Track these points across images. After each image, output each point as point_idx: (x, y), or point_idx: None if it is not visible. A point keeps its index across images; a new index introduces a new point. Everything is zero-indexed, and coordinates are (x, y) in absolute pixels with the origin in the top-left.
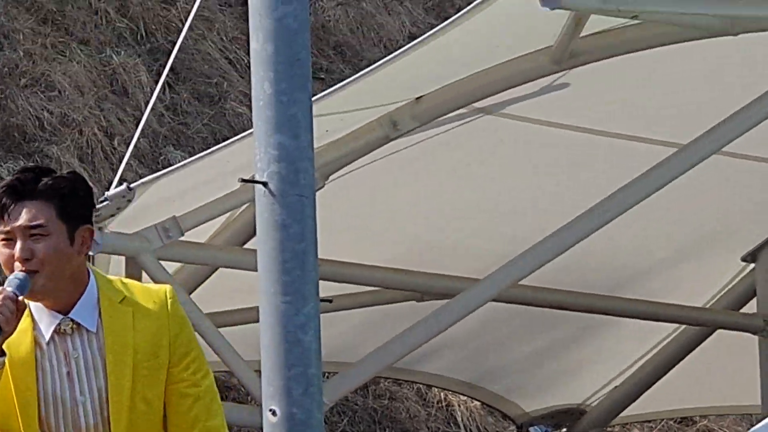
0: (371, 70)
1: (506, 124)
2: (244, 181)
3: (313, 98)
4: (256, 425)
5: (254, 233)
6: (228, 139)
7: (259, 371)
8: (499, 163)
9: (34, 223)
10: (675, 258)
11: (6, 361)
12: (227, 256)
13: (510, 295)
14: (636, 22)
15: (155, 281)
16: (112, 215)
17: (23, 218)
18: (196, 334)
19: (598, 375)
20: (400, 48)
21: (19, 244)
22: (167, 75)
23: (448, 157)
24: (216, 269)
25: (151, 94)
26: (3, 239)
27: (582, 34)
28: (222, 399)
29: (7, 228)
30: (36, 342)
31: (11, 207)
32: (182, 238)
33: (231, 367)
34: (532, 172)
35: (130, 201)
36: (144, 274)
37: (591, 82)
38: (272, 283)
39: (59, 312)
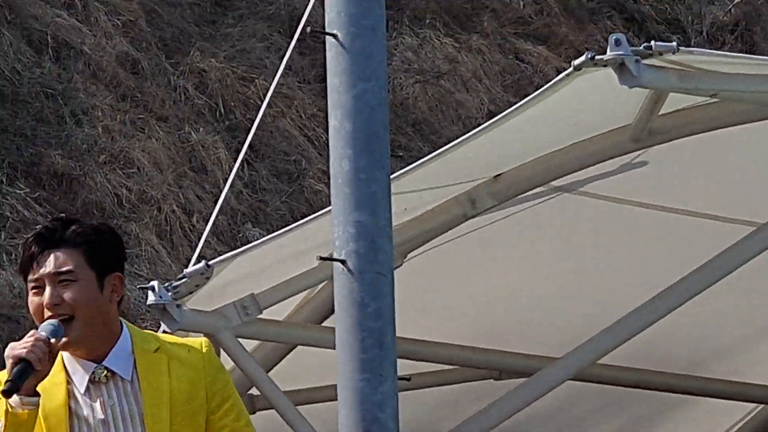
0: (450, 147)
1: (584, 202)
2: (322, 259)
3: (392, 176)
4: None
5: (332, 311)
6: (306, 216)
7: None
8: (577, 241)
9: (63, 269)
10: (757, 335)
11: (40, 406)
12: (305, 334)
13: (588, 373)
14: (715, 100)
15: (233, 359)
16: (191, 292)
17: (51, 265)
18: (276, 413)
19: None
20: (478, 125)
21: (48, 291)
22: (246, 152)
23: (526, 235)
24: (294, 347)
25: (230, 171)
26: (33, 288)
27: (661, 112)
28: None
29: (36, 276)
30: (70, 393)
31: (40, 255)
32: (260, 316)
33: None
34: (610, 250)
35: (208, 278)
36: (222, 352)
37: (669, 160)
38: (350, 361)
39: (93, 361)
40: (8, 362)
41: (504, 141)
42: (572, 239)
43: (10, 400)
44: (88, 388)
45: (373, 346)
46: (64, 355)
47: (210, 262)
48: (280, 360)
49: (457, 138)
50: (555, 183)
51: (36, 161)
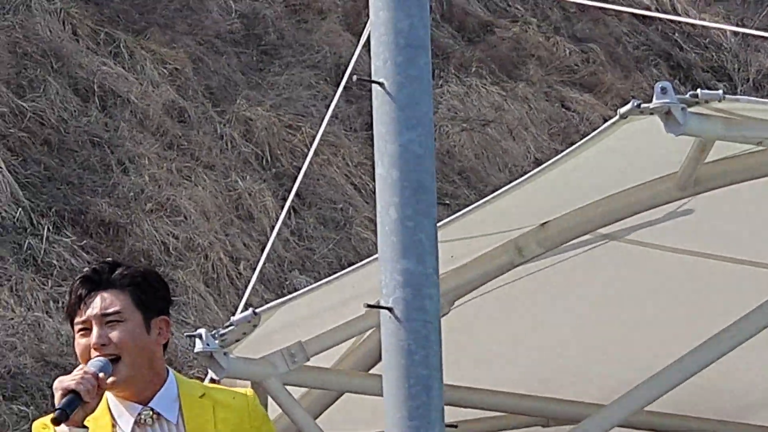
0: (496, 195)
1: (631, 249)
2: (369, 306)
3: (438, 224)
4: None
5: (380, 358)
6: (353, 264)
7: None
8: (623, 288)
9: (110, 310)
10: None
11: None
12: (353, 381)
13: (636, 420)
14: (761, 148)
15: (281, 406)
16: (238, 340)
17: (99, 306)
18: None
19: None
20: (524, 173)
21: (95, 331)
22: (292, 200)
23: (573, 282)
24: (341, 394)
25: (277, 219)
26: (80, 330)
27: (707, 160)
28: None
29: (84, 317)
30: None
31: (87, 297)
32: (308, 363)
33: None
34: (657, 298)
35: (255, 326)
36: (269, 400)
37: (715, 207)
38: (398, 409)
39: (139, 403)
40: (57, 394)
41: (550, 189)
42: (619, 287)
43: (59, 431)
44: (133, 430)
45: (421, 394)
46: (110, 399)
47: (257, 310)
48: (328, 407)
49: (503, 186)
50: (602, 231)
51: (83, 209)
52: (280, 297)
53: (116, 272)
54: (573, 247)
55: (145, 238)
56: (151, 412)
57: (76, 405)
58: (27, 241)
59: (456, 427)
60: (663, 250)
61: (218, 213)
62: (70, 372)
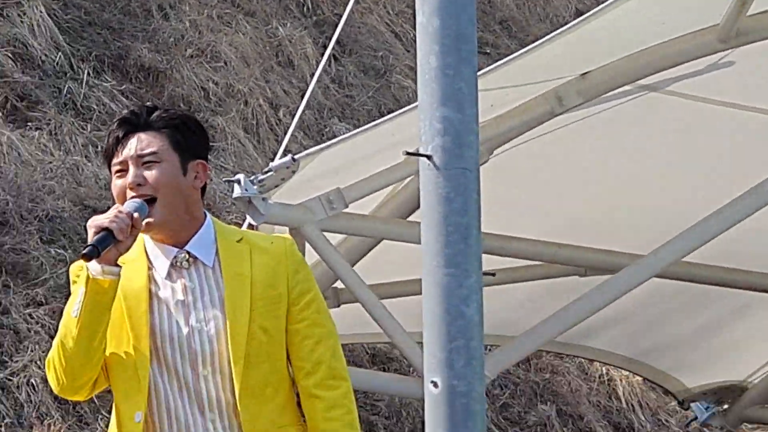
0: (537, 45)
1: (671, 101)
2: (408, 154)
3: (479, 72)
4: (417, 397)
5: (418, 206)
6: (393, 111)
7: (421, 343)
8: (662, 140)
9: (147, 150)
10: None
11: (120, 278)
12: (390, 229)
13: (673, 271)
14: None
15: (319, 252)
16: (277, 186)
17: (135, 147)
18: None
19: (761, 352)
20: (566, 24)
21: (131, 171)
22: (333, 47)
23: (612, 133)
24: (379, 241)
25: (317, 67)
26: (117, 171)
27: (749, 13)
28: (383, 370)
29: (120, 158)
30: (151, 278)
31: (124, 138)
32: (346, 210)
33: (393, 339)
34: (695, 150)
35: (294, 172)
36: (307, 246)
37: (756, 60)
38: (435, 256)
39: (175, 246)
40: (90, 232)
41: (591, 39)
42: (658, 138)
43: (92, 269)
44: (169, 273)
45: (459, 241)
46: (146, 242)
47: (296, 156)
48: (365, 254)
49: (544, 36)
50: (642, 82)
51: (123, 54)
52: (319, 144)
53: (154, 114)
54: (613, 97)
55: (185, 84)
56: (187, 255)
57: (108, 243)
58: (67, 86)
59: (493, 275)
60: (703, 102)
61: (258, 59)
62: None
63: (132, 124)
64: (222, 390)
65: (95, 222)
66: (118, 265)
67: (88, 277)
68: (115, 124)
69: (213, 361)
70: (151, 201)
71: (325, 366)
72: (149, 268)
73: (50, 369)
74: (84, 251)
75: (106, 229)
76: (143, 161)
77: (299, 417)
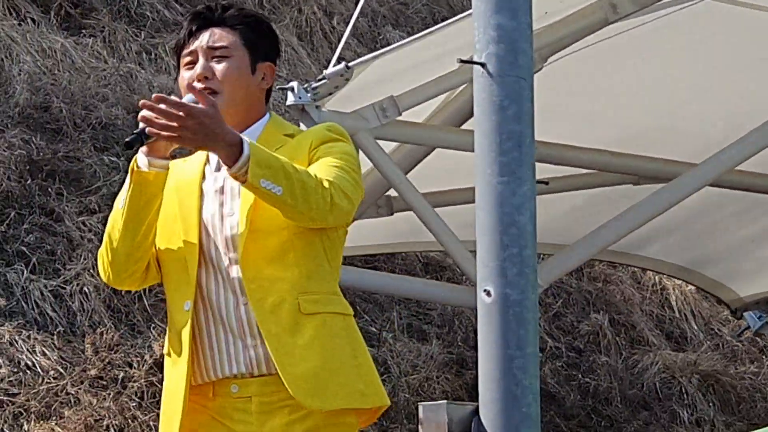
0: None
1: (726, 9)
2: (462, 61)
3: None
4: (471, 305)
5: (471, 114)
6: (447, 19)
7: (474, 252)
8: (718, 48)
9: (218, 44)
10: None
11: (166, 170)
12: (444, 136)
13: (727, 180)
14: None
15: (372, 159)
16: (330, 93)
17: (207, 39)
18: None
19: None
20: None
21: (200, 62)
22: None
23: (667, 41)
24: (432, 149)
25: None
26: (186, 63)
27: None
28: (436, 279)
29: (191, 48)
30: (203, 171)
31: (197, 31)
32: (399, 118)
33: (446, 248)
34: (752, 58)
35: (348, 80)
36: (360, 154)
37: None
38: (489, 164)
39: None
40: (141, 124)
41: None
42: (714, 46)
43: (139, 161)
44: (218, 165)
45: (512, 149)
46: None
47: (350, 64)
48: (418, 162)
49: None
50: None
51: None
52: (372, 51)
53: (229, 11)
54: (668, 5)
55: None
56: None
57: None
58: None
59: (547, 183)
60: (759, 10)
61: None
62: None
63: (206, 19)
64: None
65: (143, 114)
66: (168, 158)
67: (132, 168)
68: (189, 18)
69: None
70: (213, 94)
71: (320, 169)
72: (205, 163)
73: (100, 259)
74: (126, 139)
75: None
76: (214, 54)
77: (337, 291)
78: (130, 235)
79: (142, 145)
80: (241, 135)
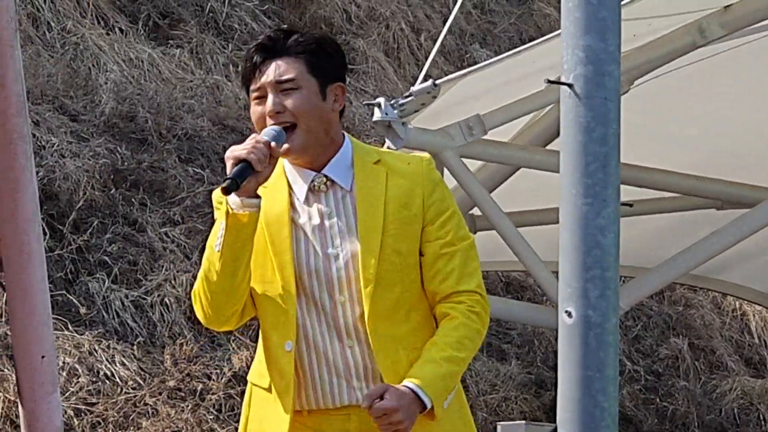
0: None
1: None
2: (550, 82)
3: (623, 2)
4: (551, 326)
5: (557, 134)
6: (534, 39)
7: (556, 272)
8: None
9: (285, 77)
10: None
11: (261, 210)
12: (529, 156)
13: None
14: None
15: (457, 178)
16: (416, 110)
17: (274, 73)
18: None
19: None
20: None
21: (270, 99)
22: None
23: (754, 66)
24: (517, 169)
25: None
26: (255, 98)
27: None
28: (517, 299)
29: (259, 84)
30: (291, 203)
31: (262, 64)
32: (485, 137)
33: (528, 268)
34: None
35: (434, 97)
36: (445, 172)
37: None
38: (573, 185)
39: (312, 170)
40: (228, 163)
41: None
42: None
43: (231, 202)
44: (307, 197)
45: (597, 171)
46: (286, 166)
47: (437, 81)
48: (503, 181)
49: None
50: None
51: None
52: (459, 69)
53: (291, 39)
54: (756, 30)
55: (327, 6)
56: (324, 179)
57: (247, 174)
58: (209, 4)
59: (631, 205)
60: None
61: None
62: (246, 136)
63: (269, 50)
64: (358, 316)
65: (233, 153)
66: (257, 196)
67: (228, 212)
68: (252, 50)
69: (349, 287)
70: (289, 127)
71: (453, 280)
72: (289, 193)
73: (196, 302)
74: (223, 185)
75: (244, 160)
76: (282, 88)
77: None
78: (229, 279)
79: (238, 187)
80: (409, 384)
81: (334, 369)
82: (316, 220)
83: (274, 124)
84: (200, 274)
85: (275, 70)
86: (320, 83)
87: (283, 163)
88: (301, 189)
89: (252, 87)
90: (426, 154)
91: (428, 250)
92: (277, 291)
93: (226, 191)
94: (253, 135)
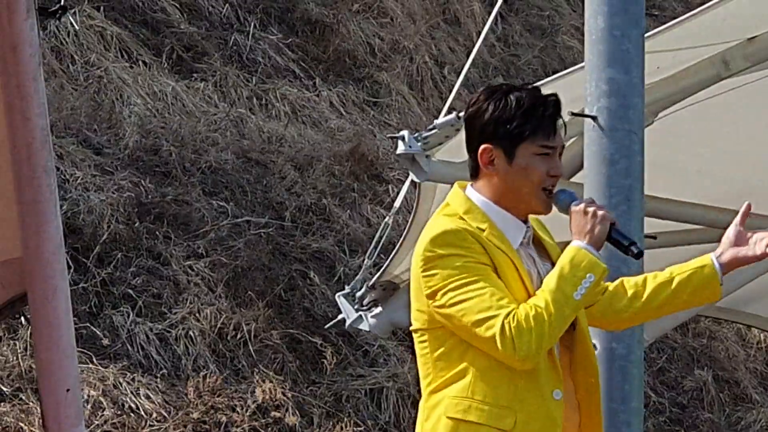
0: (704, 8)
1: None
2: (573, 114)
3: (646, 35)
4: None
5: (581, 167)
6: (557, 71)
7: None
8: None
9: (563, 143)
10: None
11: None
12: None
13: None
14: None
15: None
16: (440, 143)
17: (563, 137)
18: None
19: None
20: None
21: (558, 161)
22: (500, 6)
23: None
24: None
25: (483, 25)
26: (542, 153)
27: None
28: None
29: (555, 144)
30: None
31: (559, 127)
32: None
33: None
34: None
35: (458, 130)
36: None
37: None
38: None
39: (523, 221)
40: (604, 224)
41: (759, 3)
42: None
43: (597, 254)
44: (521, 244)
45: (621, 203)
46: (491, 215)
47: (460, 114)
48: None
49: None
50: None
51: (289, 7)
52: None
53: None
54: None
55: (351, 39)
56: (531, 231)
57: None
58: (233, 37)
59: (655, 238)
60: None
61: (425, 16)
62: (270, 170)
63: (558, 113)
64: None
65: (608, 214)
66: None
67: (604, 270)
68: (549, 103)
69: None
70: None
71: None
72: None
73: (524, 334)
74: (637, 252)
75: (614, 224)
76: (560, 153)
77: None
78: (568, 324)
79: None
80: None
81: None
82: (533, 269)
83: (553, 185)
84: (539, 313)
85: (560, 132)
86: None
87: (491, 214)
88: (516, 237)
89: (546, 143)
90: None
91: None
92: None
93: (639, 256)
94: (589, 199)
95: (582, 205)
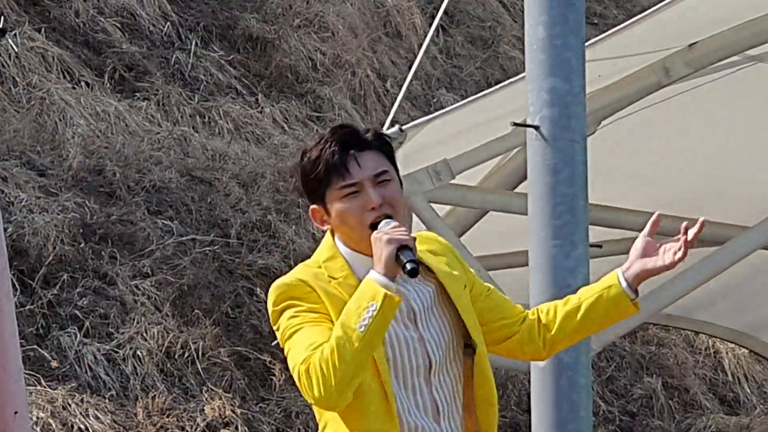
0: (644, 16)
1: None
2: (516, 125)
3: (586, 43)
4: (524, 369)
5: (525, 177)
6: (500, 82)
7: None
8: None
9: (381, 169)
10: None
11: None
12: (497, 200)
13: None
14: None
15: (425, 223)
16: None
17: (370, 167)
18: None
19: None
20: None
21: (371, 192)
22: (441, 18)
23: (720, 104)
24: (486, 213)
25: (425, 37)
26: (349, 194)
27: None
28: None
29: (356, 180)
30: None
31: (351, 160)
32: (453, 181)
33: None
34: None
35: (401, 143)
36: (414, 216)
37: None
38: (542, 227)
39: (369, 256)
40: (390, 247)
41: (699, 10)
42: (766, 109)
43: (389, 286)
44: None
45: (566, 212)
46: (343, 251)
47: (403, 127)
48: (472, 225)
49: (652, 6)
50: (750, 52)
51: (231, 24)
52: (426, 114)
53: (366, 135)
54: (720, 68)
55: (293, 54)
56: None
57: (414, 258)
58: (174, 56)
59: (600, 246)
60: None
61: (366, 30)
62: (214, 187)
63: (352, 146)
64: (453, 397)
65: (395, 237)
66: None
67: (385, 295)
68: (334, 148)
69: (443, 368)
70: (387, 217)
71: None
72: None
73: (313, 378)
74: (410, 270)
75: (406, 245)
76: (378, 180)
77: None
78: (364, 357)
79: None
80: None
81: None
82: (403, 304)
83: (378, 217)
84: (327, 353)
85: (370, 163)
86: (396, 173)
87: (344, 252)
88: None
89: (343, 183)
90: (429, 233)
91: (486, 306)
92: (375, 378)
93: (413, 274)
94: (391, 221)
95: (374, 233)
